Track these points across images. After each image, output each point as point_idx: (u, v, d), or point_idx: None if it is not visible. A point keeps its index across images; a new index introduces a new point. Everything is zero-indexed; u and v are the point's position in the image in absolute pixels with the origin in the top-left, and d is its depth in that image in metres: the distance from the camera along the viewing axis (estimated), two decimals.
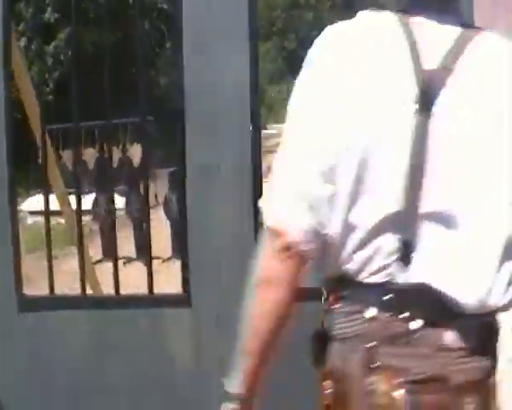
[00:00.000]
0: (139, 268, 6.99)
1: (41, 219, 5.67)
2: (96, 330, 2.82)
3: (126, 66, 7.47)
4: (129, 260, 7.77)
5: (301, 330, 1.27)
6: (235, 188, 2.81)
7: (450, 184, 1.12)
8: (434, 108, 1.11)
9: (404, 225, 1.13)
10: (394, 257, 1.13)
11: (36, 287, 3.64)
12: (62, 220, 4.85)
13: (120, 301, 2.84)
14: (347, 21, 1.20)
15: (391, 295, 1.13)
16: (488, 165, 1.13)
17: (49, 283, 2.90)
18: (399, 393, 1.10)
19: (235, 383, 1.25)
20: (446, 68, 1.13)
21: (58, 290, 3.02)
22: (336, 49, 1.17)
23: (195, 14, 2.81)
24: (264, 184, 2.35)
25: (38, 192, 7.61)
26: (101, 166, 9.50)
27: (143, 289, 2.95)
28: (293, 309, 1.22)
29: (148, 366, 2.77)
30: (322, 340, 1.22)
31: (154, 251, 3.06)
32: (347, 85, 1.13)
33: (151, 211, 4.01)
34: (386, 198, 1.12)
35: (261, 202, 1.26)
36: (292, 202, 1.15)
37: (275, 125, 31.44)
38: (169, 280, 2.85)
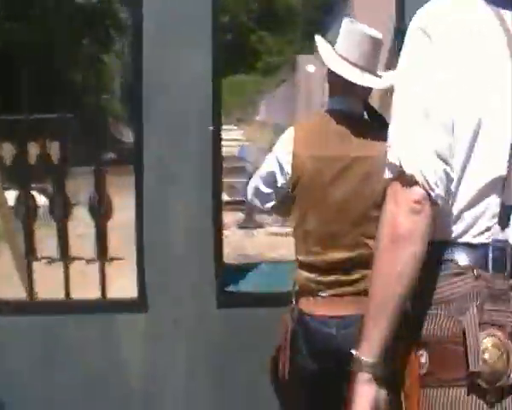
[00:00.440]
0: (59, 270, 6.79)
1: None
2: (43, 338, 2.66)
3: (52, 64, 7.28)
4: (51, 260, 7.45)
5: None
6: (194, 190, 2.74)
7: None
8: None
9: (506, 189, 1.22)
10: (496, 219, 1.22)
11: None
12: None
13: (71, 306, 2.69)
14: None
15: (495, 254, 1.21)
16: None
17: None
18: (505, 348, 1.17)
19: (369, 351, 1.22)
20: None
21: None
22: (448, 22, 1.26)
23: (155, 12, 2.73)
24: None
25: None
26: (18, 162, 9.04)
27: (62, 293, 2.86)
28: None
29: (102, 372, 2.65)
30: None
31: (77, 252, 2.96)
32: (461, 57, 1.23)
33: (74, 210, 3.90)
34: (493, 163, 1.22)
35: (390, 155, 1.27)
36: (425, 154, 1.20)
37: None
38: (93, 282, 2.76)
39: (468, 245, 1.23)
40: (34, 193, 4.74)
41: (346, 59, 2.26)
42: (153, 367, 2.71)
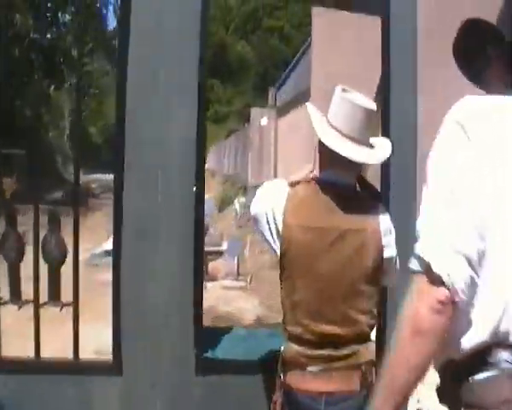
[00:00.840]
0: (13, 313, 6.49)
1: None
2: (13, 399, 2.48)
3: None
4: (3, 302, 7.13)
5: None
6: (174, 249, 2.66)
7: None
8: None
9: None
10: None
11: None
12: None
13: (43, 366, 2.53)
14: (485, 98, 1.36)
15: None
16: None
17: None
18: None
19: None
20: None
21: None
22: (486, 123, 1.29)
23: (141, 63, 2.69)
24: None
25: None
26: None
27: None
28: None
29: None
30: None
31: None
32: (497, 161, 1.26)
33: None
34: None
35: (419, 248, 1.27)
36: (455, 258, 1.22)
37: None
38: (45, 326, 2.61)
39: None
40: None
41: (339, 130, 2.21)
42: None
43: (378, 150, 2.30)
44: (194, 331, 2.60)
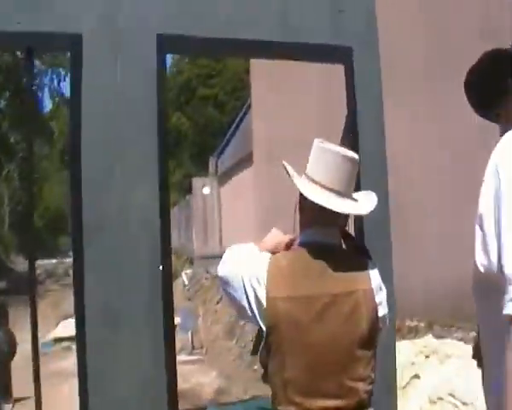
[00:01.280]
0: None
1: None
2: None
3: None
4: None
5: None
6: (143, 333, 2.48)
7: None
8: None
9: None
10: None
11: None
12: None
13: None
14: None
15: None
16: None
17: None
18: None
19: None
20: None
21: None
22: None
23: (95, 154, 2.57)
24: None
25: None
26: None
27: None
28: None
29: None
30: None
31: None
32: None
33: None
34: None
35: None
36: None
37: None
38: None
39: None
40: None
41: (322, 184, 2.09)
42: None
43: (363, 201, 2.20)
44: None
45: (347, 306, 2.04)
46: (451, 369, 3.90)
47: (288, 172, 2.18)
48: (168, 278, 2.55)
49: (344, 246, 2.20)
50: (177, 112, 35.17)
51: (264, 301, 2.06)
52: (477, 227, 1.39)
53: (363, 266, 2.13)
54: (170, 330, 2.51)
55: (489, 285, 1.36)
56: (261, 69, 12.81)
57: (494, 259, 1.33)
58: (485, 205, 1.36)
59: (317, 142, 2.18)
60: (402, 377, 3.86)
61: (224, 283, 2.17)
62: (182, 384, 8.50)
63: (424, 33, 6.86)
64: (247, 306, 2.11)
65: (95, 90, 2.60)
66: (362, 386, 2.05)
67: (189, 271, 18.07)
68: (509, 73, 1.52)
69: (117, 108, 2.63)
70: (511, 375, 1.22)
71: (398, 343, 2.42)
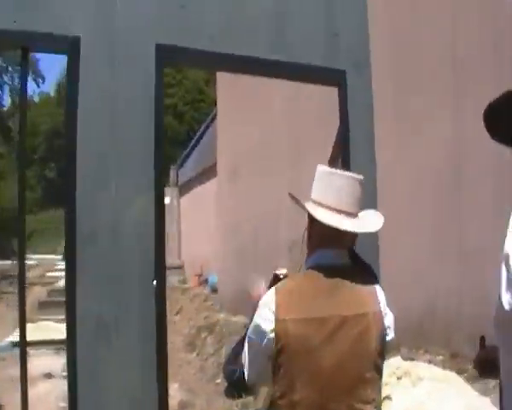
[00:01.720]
0: None
1: None
2: None
3: None
4: None
5: None
6: (134, 348, 2.43)
7: None
8: None
9: None
10: None
11: None
12: None
13: None
14: None
15: None
16: None
17: None
18: None
19: None
20: None
21: None
22: None
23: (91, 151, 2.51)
24: None
25: None
26: None
27: None
28: None
29: None
30: None
31: None
32: None
33: None
34: None
35: None
36: None
37: (34, 256, 29.69)
38: None
39: None
40: None
41: (332, 208, 2.12)
42: None
43: (371, 220, 2.23)
44: None
45: (358, 328, 2.04)
46: (423, 391, 3.95)
47: (297, 201, 2.21)
48: (162, 292, 2.50)
49: (352, 267, 2.20)
50: None
51: (273, 324, 2.04)
52: (503, 267, 1.40)
53: (373, 288, 2.14)
54: (162, 345, 2.47)
55: None
56: (227, 83, 12.85)
57: None
58: (510, 245, 1.38)
59: (321, 167, 2.23)
60: None
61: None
62: None
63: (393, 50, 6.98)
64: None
65: (91, 92, 2.55)
66: (369, 408, 2.06)
67: None
68: None
69: (113, 112, 2.58)
70: None
71: None
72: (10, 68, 27.66)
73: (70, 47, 2.56)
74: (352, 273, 2.15)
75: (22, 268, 2.58)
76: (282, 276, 2.34)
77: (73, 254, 2.40)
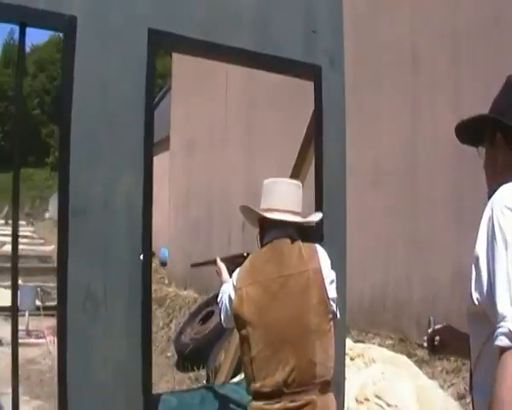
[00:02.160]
0: None
1: None
2: None
3: None
4: None
5: None
6: (121, 319, 2.58)
7: None
8: None
9: None
10: None
11: None
12: None
13: None
14: None
15: None
16: None
17: None
18: None
19: None
20: None
21: None
22: None
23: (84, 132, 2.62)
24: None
25: None
26: None
27: None
28: None
29: None
30: None
31: None
32: None
33: None
34: None
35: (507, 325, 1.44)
36: None
37: None
38: None
39: None
40: None
41: (278, 209, 2.55)
42: None
43: (311, 216, 2.73)
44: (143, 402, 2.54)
45: (300, 284, 2.41)
46: (377, 372, 4.23)
47: (250, 210, 2.67)
48: (148, 265, 2.67)
49: (299, 241, 2.56)
50: None
51: (233, 295, 2.48)
52: (473, 266, 1.63)
53: (313, 250, 2.52)
54: (147, 316, 2.63)
55: (482, 316, 1.60)
56: (182, 57, 12.80)
57: (486, 295, 1.57)
58: (479, 248, 1.61)
59: (266, 181, 2.67)
60: None
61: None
62: None
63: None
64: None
65: (83, 72, 2.63)
66: (320, 358, 2.38)
67: None
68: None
69: (105, 91, 2.68)
70: (498, 404, 1.44)
71: None
72: None
73: (67, 26, 2.63)
74: (294, 241, 2.54)
75: None
76: (245, 254, 2.75)
77: (66, 226, 2.52)
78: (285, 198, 2.57)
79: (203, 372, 6.39)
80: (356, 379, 3.97)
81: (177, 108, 13.18)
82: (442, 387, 4.64)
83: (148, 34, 2.81)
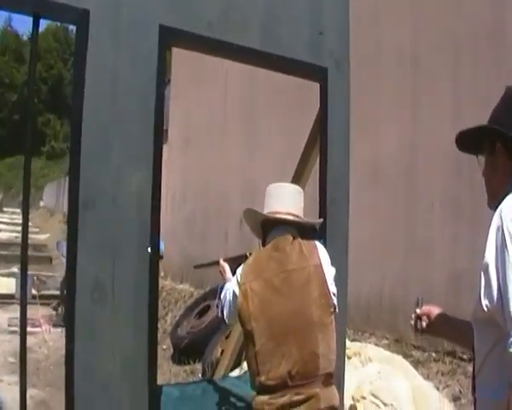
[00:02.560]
0: None
1: None
2: None
3: None
4: None
5: None
6: (128, 311, 2.62)
7: None
8: None
9: None
10: None
11: None
12: None
13: None
14: None
15: None
16: None
17: None
18: None
19: None
20: None
21: None
22: None
23: (94, 127, 2.65)
24: None
25: None
26: None
27: None
28: None
29: None
30: None
31: None
32: None
33: None
34: None
35: None
36: None
37: None
38: None
39: None
40: None
41: (280, 212, 2.65)
42: None
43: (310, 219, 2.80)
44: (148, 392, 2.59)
45: (301, 279, 2.49)
46: (373, 371, 4.28)
47: (254, 212, 2.74)
48: (155, 258, 2.71)
49: (299, 239, 2.65)
50: None
51: (238, 288, 2.55)
52: (482, 273, 1.68)
53: (313, 247, 2.61)
54: (154, 307, 2.67)
55: (490, 321, 1.65)
56: (183, 52, 12.76)
57: (496, 302, 1.62)
58: (489, 256, 1.66)
59: (269, 186, 2.77)
60: None
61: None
62: None
63: None
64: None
65: (94, 67, 2.66)
66: (322, 350, 2.45)
67: None
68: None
69: (115, 87, 2.71)
70: None
71: None
72: None
73: (79, 19, 2.66)
74: (295, 239, 2.62)
75: None
76: (247, 254, 2.84)
77: (76, 218, 2.56)
78: (287, 202, 2.66)
79: (199, 366, 6.44)
80: (352, 378, 4.02)
81: (176, 103, 13.18)
82: (437, 388, 4.70)
83: (159, 30, 2.85)
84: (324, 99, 3.43)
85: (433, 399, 4.25)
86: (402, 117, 6.64)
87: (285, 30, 3.31)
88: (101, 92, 2.68)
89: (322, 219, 2.95)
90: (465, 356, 4.65)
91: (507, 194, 1.74)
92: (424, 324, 2.19)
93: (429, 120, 6.29)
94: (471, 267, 1.86)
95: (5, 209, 30.79)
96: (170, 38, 2.91)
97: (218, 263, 2.96)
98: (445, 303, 5.40)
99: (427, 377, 4.89)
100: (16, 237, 17.97)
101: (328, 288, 2.51)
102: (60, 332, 8.27)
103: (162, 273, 12.08)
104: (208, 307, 7.34)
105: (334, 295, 2.54)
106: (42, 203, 34.18)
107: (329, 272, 2.56)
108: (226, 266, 2.88)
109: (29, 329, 8.81)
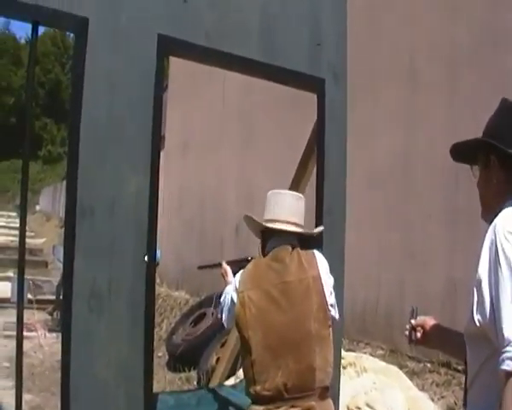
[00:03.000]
0: None
1: None
2: None
3: None
4: None
5: None
6: (125, 318, 2.63)
7: None
8: None
9: None
10: None
11: None
12: None
13: None
14: None
15: None
16: None
17: None
18: None
19: None
20: None
21: None
22: None
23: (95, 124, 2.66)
24: None
25: None
26: None
27: None
28: None
29: None
30: None
31: None
32: None
33: None
34: None
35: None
36: None
37: None
38: None
39: None
40: None
41: (279, 220, 2.64)
42: None
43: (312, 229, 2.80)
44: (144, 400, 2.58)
45: (300, 290, 2.48)
46: (368, 382, 4.28)
47: (254, 220, 2.72)
48: (152, 266, 2.71)
49: (299, 248, 2.65)
50: None
51: (236, 295, 2.54)
52: (475, 289, 1.68)
53: (312, 258, 2.61)
54: (150, 315, 2.68)
55: (482, 337, 1.66)
56: (181, 61, 12.72)
57: (489, 318, 1.62)
58: (482, 271, 1.66)
59: (270, 192, 2.76)
60: None
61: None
62: None
63: None
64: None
65: (93, 75, 2.67)
66: (318, 363, 2.44)
67: None
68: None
69: (113, 94, 2.73)
70: None
71: None
72: None
73: (78, 27, 2.67)
74: (294, 249, 2.62)
75: None
76: (249, 258, 2.82)
77: (73, 225, 2.57)
78: (288, 210, 2.65)
79: (194, 374, 6.42)
80: (347, 388, 4.02)
81: (173, 109, 13.19)
82: (432, 399, 4.70)
83: (158, 39, 2.86)
84: (322, 110, 3.45)
85: None
86: (399, 128, 6.66)
87: (283, 41, 3.33)
88: (99, 99, 2.69)
89: (322, 228, 2.94)
90: (460, 367, 4.64)
91: (502, 208, 1.74)
92: (419, 334, 2.18)
93: (426, 130, 6.31)
94: (467, 277, 1.86)
95: (1, 213, 30.74)
96: (168, 47, 2.93)
97: (220, 265, 2.96)
98: (441, 313, 5.46)
99: (422, 388, 4.88)
100: (12, 241, 17.93)
101: (326, 300, 2.50)
102: (55, 337, 8.27)
103: (158, 280, 12.07)
104: (204, 315, 7.33)
105: (331, 306, 2.54)
106: (38, 208, 34.16)
107: (328, 282, 2.56)
108: (228, 269, 2.88)
109: (24, 333, 8.76)
